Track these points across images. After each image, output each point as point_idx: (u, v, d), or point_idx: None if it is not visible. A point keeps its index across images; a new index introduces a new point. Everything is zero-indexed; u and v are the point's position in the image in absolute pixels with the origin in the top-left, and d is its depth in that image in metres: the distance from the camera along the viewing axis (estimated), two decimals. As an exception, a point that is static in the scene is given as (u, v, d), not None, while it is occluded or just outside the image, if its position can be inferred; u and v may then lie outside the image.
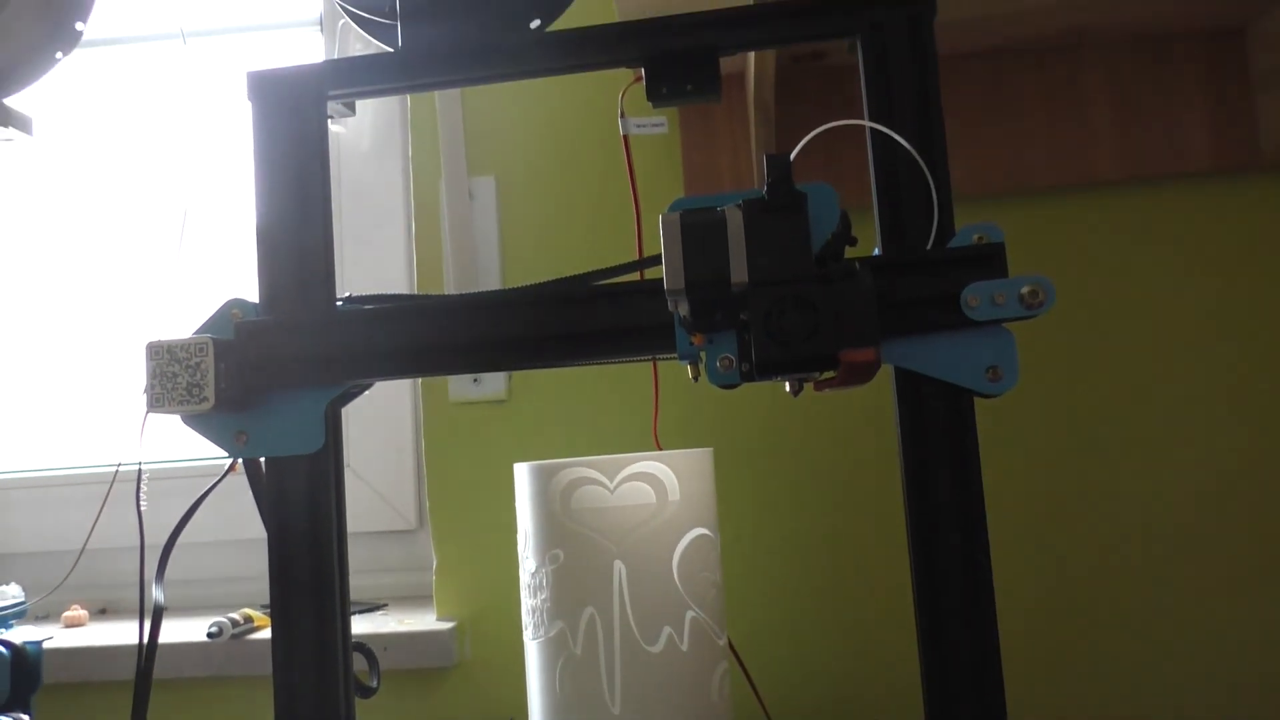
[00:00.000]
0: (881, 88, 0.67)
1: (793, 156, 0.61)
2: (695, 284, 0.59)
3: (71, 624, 1.28)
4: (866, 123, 0.66)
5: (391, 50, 0.76)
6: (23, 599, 1.26)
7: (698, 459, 0.80)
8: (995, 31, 1.07)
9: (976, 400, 0.63)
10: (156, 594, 0.74)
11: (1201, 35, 1.09)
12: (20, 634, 0.89)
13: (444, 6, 0.73)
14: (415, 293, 1.23)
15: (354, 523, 0.77)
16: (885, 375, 0.64)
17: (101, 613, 1.37)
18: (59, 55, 0.85)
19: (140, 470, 0.77)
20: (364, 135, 1.35)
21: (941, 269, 0.62)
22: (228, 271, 1.40)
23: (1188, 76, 1.10)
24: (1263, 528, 1.07)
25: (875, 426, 1.10)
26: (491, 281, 1.18)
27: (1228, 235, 1.10)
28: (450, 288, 1.18)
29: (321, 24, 1.38)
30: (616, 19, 0.93)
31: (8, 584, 1.26)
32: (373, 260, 1.34)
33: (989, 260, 0.62)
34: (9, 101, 0.84)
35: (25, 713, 0.76)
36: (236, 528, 1.27)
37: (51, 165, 1.48)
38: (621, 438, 1.13)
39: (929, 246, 0.64)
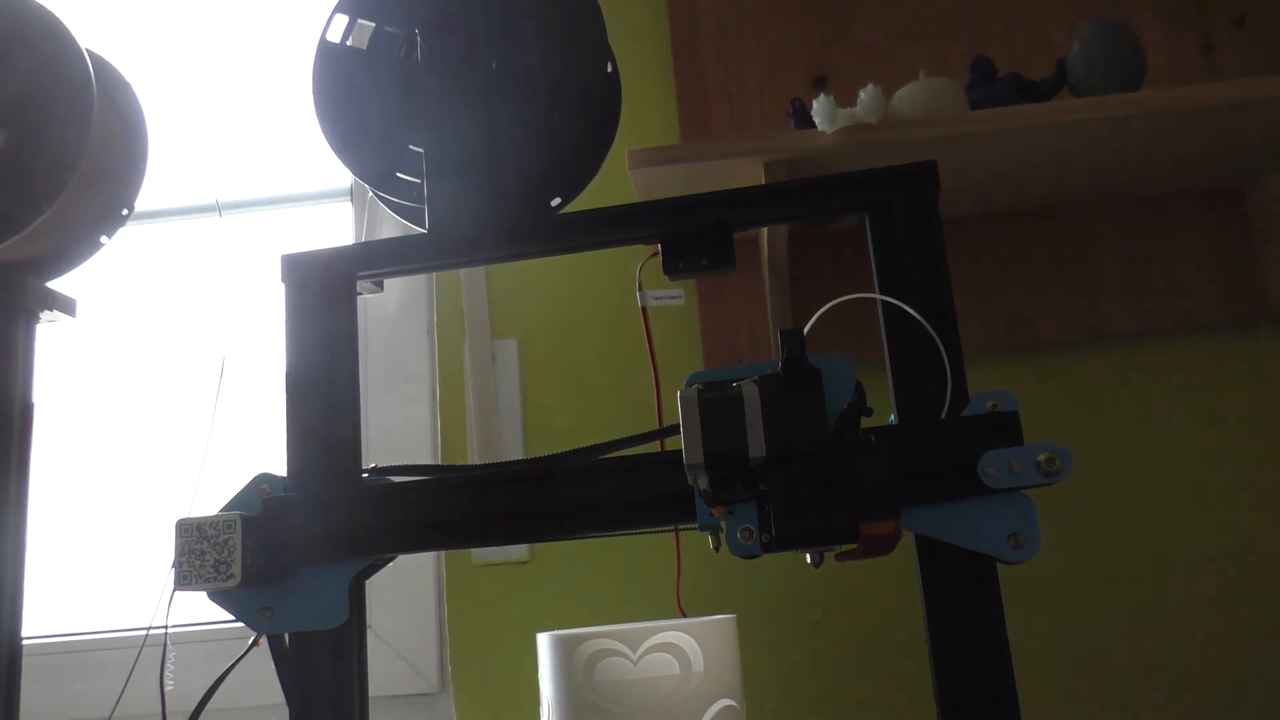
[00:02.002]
0: (890, 261, 0.69)
1: (805, 330, 0.63)
2: (714, 459, 0.60)
3: (87, 797, 1.25)
4: (877, 295, 0.68)
5: (419, 229, 0.79)
6: (40, 773, 1.23)
7: (721, 627, 0.80)
8: (1002, 196, 1.11)
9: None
10: (177, 776, 0.73)
11: (1203, 195, 1.13)
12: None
13: (468, 189, 0.77)
14: (439, 460, 1.24)
15: (375, 686, 0.77)
16: (908, 540, 0.65)
17: (117, 784, 1.34)
18: (104, 239, 0.90)
19: (165, 646, 0.77)
20: (391, 297, 1.39)
21: (957, 438, 0.63)
22: (260, 435, 1.42)
23: (1192, 233, 1.13)
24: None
25: (899, 591, 1.09)
26: (514, 442, 1.19)
27: (1238, 387, 1.11)
28: (473, 449, 1.19)
29: (352, 195, 1.44)
30: (634, 197, 0.97)
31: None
32: (398, 417, 1.36)
33: (1004, 428, 0.63)
34: (53, 284, 0.87)
35: None
36: (259, 694, 1.25)
37: (89, 336, 1.52)
38: (644, 599, 1.12)
39: (944, 414, 0.65)
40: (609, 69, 0.80)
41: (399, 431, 1.35)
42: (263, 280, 1.43)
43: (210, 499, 0.73)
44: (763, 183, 0.97)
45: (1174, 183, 1.10)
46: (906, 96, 1.01)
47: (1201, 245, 1.12)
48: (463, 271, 1.23)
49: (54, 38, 0.82)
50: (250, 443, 1.42)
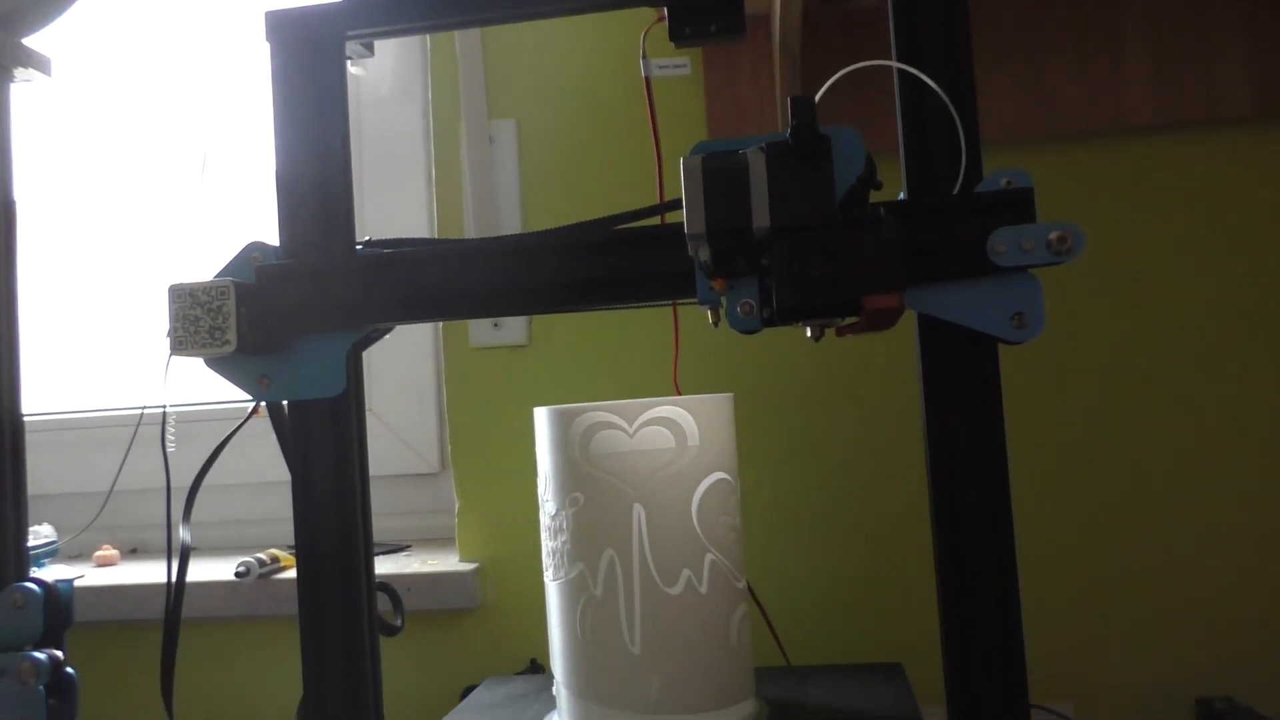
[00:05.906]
0: (909, 28, 0.65)
1: (817, 98, 0.60)
2: (716, 229, 0.59)
3: (103, 563, 1.30)
4: (894, 63, 0.65)
5: (411, -11, 0.75)
6: (54, 539, 1.28)
7: (717, 404, 0.80)
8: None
9: (1001, 346, 0.62)
10: (183, 534, 0.75)
11: (1241, -24, 1.06)
12: (52, 573, 0.90)
13: (463, -56, 0.72)
14: (435, 237, 1.23)
15: (376, 466, 0.78)
16: (909, 319, 0.64)
17: (132, 552, 1.40)
18: (77, -6, 0.85)
19: (165, 413, 0.78)
20: (384, 80, 1.34)
21: (968, 214, 0.62)
22: (250, 211, 1.40)
23: (1226, 18, 1.07)
24: (1288, 477, 1.07)
25: (897, 371, 1.09)
26: (512, 225, 1.17)
27: (1266, 182, 1.08)
28: (471, 232, 1.17)
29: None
30: (639, -43, 0.91)
31: (40, 524, 1.28)
32: (393, 206, 1.33)
33: (1017, 205, 0.61)
34: (27, 41, 0.83)
35: (58, 649, 0.78)
36: (262, 470, 1.28)
37: (71, 107, 1.47)
38: (642, 383, 1.13)
39: (956, 191, 0.63)
40: None
41: (394, 217, 1.32)
42: (249, 46, 1.38)
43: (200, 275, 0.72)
44: (777, -51, 0.91)
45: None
46: None
47: (1234, 31, 1.06)
48: (459, 47, 1.18)
49: None
50: (240, 214, 1.40)
